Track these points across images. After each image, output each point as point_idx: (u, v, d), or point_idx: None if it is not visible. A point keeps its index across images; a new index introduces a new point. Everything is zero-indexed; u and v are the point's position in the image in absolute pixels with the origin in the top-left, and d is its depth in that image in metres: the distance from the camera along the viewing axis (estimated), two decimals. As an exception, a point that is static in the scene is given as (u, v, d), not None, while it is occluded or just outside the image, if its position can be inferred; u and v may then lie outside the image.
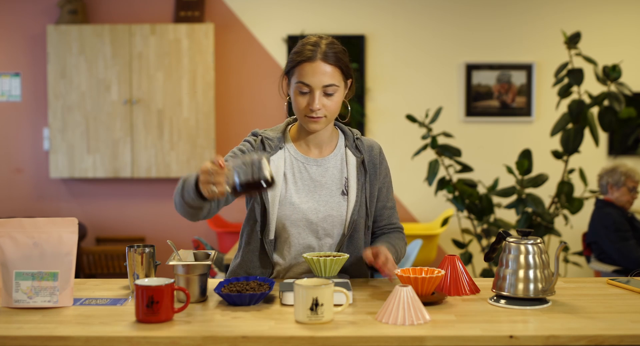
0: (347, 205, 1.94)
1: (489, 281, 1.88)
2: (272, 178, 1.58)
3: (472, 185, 4.04)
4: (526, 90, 5.26)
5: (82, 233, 5.03)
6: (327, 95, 1.86)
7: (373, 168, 2.00)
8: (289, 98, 1.94)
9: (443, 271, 1.71)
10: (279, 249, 1.96)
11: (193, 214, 1.81)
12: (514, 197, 3.95)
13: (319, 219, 1.92)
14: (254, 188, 1.58)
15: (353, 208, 1.94)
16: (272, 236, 1.93)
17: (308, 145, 1.99)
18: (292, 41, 5.15)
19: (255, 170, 1.57)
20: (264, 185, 1.57)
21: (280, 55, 5.20)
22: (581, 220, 4.49)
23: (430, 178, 3.98)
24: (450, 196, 4.07)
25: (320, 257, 1.83)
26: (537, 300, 1.66)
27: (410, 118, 4.00)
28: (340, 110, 1.95)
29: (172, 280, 1.56)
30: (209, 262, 1.74)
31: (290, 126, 2.04)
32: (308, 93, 1.86)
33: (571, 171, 3.99)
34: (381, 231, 2.06)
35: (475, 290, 1.80)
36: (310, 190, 1.94)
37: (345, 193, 1.95)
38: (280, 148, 1.97)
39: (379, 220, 2.04)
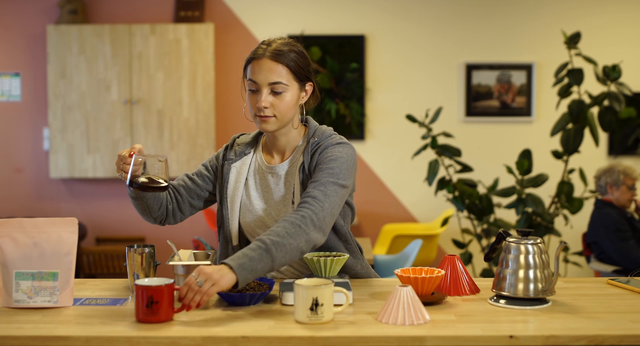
0: None
1: (489, 281, 1.88)
2: (162, 184, 1.69)
3: (472, 185, 4.04)
4: (526, 90, 5.26)
5: (82, 233, 5.03)
6: (275, 93, 1.83)
7: (314, 166, 1.86)
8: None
9: (443, 271, 1.71)
10: None
11: (140, 207, 1.90)
12: (514, 197, 3.95)
13: None
14: (144, 188, 1.70)
15: None
16: (235, 242, 1.93)
17: (271, 151, 1.96)
18: (292, 41, 5.15)
19: (145, 170, 1.69)
20: (150, 189, 1.69)
21: (280, 55, 5.19)
22: (581, 220, 4.49)
23: (430, 178, 3.98)
24: (450, 196, 4.07)
25: (320, 256, 1.83)
26: (537, 300, 1.66)
27: (410, 118, 4.00)
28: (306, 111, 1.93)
29: (172, 280, 1.55)
30: (209, 262, 1.74)
31: None
32: (257, 91, 1.85)
33: (571, 171, 3.99)
34: None
35: (475, 290, 1.80)
36: (268, 198, 1.92)
37: (293, 201, 1.89)
38: (247, 154, 1.97)
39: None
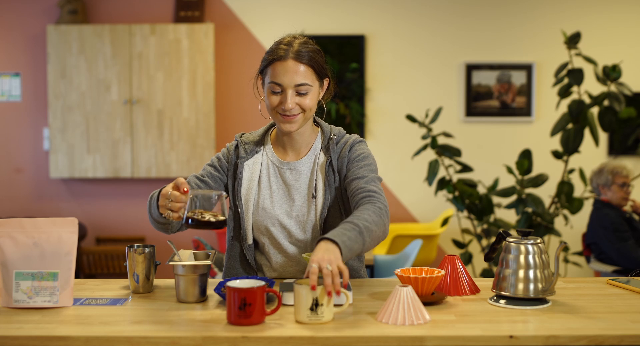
0: (316, 208, 1.91)
1: (489, 281, 1.88)
2: (221, 219, 1.61)
3: (472, 185, 4.04)
4: (526, 90, 5.26)
5: (82, 233, 5.03)
6: (300, 94, 1.84)
7: (341, 165, 1.93)
8: (263, 99, 1.93)
9: (443, 271, 1.71)
10: (261, 253, 1.97)
11: (162, 229, 1.88)
12: (514, 197, 3.95)
13: (291, 224, 1.92)
14: (203, 225, 1.60)
15: (321, 211, 1.90)
16: (250, 241, 1.93)
17: (285, 148, 1.97)
18: (292, 41, 5.14)
19: (206, 207, 1.60)
20: (212, 226, 1.61)
21: (280, 55, 5.19)
22: (581, 220, 4.49)
23: (430, 178, 3.98)
24: (450, 196, 4.07)
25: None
26: (537, 300, 1.66)
27: (410, 118, 4.00)
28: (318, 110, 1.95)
29: (263, 282, 1.55)
30: (209, 262, 1.74)
31: (272, 129, 2.02)
32: (280, 92, 1.84)
33: (571, 171, 3.99)
34: (355, 204, 1.83)
35: (475, 290, 1.80)
36: (284, 195, 1.93)
37: (314, 196, 1.92)
38: (257, 152, 1.97)
39: (352, 193, 1.85)
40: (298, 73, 1.83)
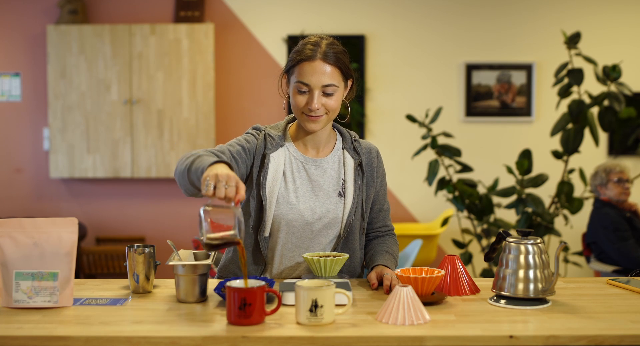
0: (344, 207, 1.94)
1: (489, 281, 1.88)
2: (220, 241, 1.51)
3: (472, 185, 4.04)
4: (526, 90, 5.26)
5: (82, 233, 5.03)
6: (327, 95, 1.86)
7: (370, 171, 2.01)
8: (288, 97, 1.95)
9: (443, 271, 1.71)
10: (272, 247, 1.96)
11: (192, 193, 1.76)
12: (514, 197, 3.95)
13: (315, 219, 1.92)
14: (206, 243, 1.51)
15: (350, 210, 1.94)
16: (267, 233, 1.94)
17: (306, 145, 1.99)
18: (292, 41, 5.15)
19: (214, 242, 1.51)
20: (205, 249, 1.53)
21: (280, 55, 5.20)
22: (581, 220, 4.49)
23: (430, 178, 3.98)
24: (450, 196, 4.07)
25: (320, 257, 1.83)
26: (537, 300, 1.66)
27: (410, 118, 4.00)
28: (340, 110, 1.95)
29: (263, 282, 1.55)
30: (209, 262, 1.74)
31: (290, 125, 2.03)
32: (307, 92, 1.86)
33: (571, 171, 3.99)
34: (375, 233, 2.09)
35: (475, 290, 1.81)
36: (308, 190, 1.94)
37: (342, 194, 1.95)
38: (281, 146, 1.97)
39: (374, 222, 2.07)
40: (325, 74, 1.84)
